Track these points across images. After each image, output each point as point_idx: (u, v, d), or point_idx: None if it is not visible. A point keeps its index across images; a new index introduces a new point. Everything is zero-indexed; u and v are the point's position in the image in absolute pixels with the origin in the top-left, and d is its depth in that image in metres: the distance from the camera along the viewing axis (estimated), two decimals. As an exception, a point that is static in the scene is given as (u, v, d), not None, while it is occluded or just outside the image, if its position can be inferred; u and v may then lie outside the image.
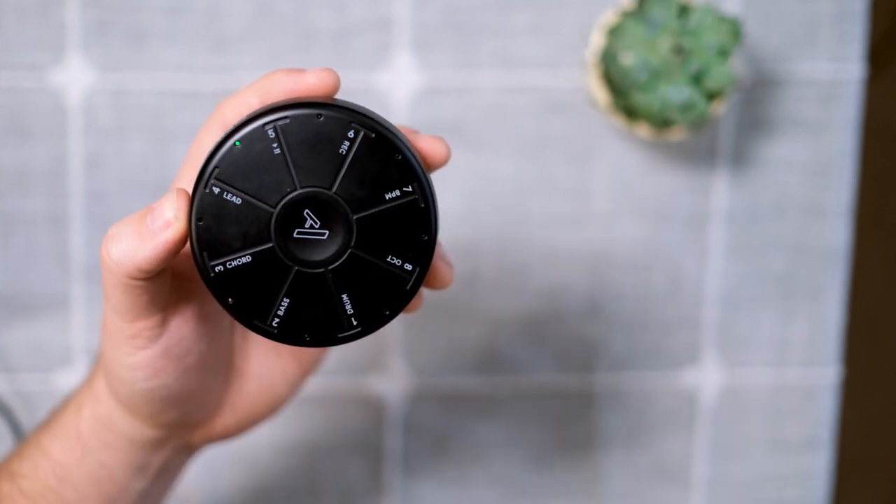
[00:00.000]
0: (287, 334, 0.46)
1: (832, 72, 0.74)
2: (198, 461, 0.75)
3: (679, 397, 0.77)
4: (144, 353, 0.48)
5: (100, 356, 0.52)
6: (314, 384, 0.75)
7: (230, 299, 0.45)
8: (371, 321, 0.46)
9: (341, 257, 0.45)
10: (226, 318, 0.52)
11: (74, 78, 0.71)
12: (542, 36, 0.73)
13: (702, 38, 0.68)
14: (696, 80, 0.68)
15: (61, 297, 0.73)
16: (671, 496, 0.78)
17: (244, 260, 0.45)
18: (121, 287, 0.46)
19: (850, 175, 0.75)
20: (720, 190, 0.75)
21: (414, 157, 0.45)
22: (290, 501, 0.76)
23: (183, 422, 0.52)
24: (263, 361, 0.54)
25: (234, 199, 0.45)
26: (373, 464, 0.76)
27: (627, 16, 0.69)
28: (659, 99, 0.68)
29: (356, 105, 0.46)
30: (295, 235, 0.45)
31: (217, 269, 0.45)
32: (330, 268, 0.45)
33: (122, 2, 0.71)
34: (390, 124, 0.46)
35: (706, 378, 0.77)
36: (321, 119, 0.44)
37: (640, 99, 0.69)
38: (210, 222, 0.45)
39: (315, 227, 0.45)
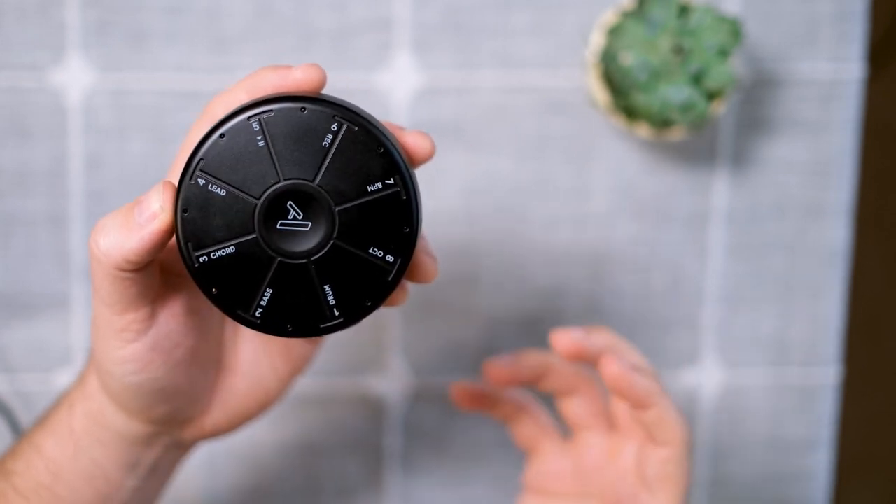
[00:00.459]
0: (270, 324, 0.46)
1: (832, 72, 0.74)
2: (198, 461, 0.75)
3: (679, 397, 0.77)
4: (133, 347, 0.49)
5: (91, 352, 0.52)
6: (314, 384, 0.75)
7: (214, 289, 0.46)
8: (353, 312, 0.47)
9: (324, 248, 0.46)
10: (215, 314, 0.53)
11: (74, 78, 0.71)
12: (542, 36, 0.73)
13: (702, 38, 0.68)
14: (696, 80, 0.68)
15: (61, 297, 0.73)
16: (671, 496, 0.78)
17: (228, 250, 0.46)
18: (109, 279, 0.47)
19: (850, 175, 0.75)
20: (720, 190, 0.75)
21: (396, 149, 0.46)
22: (290, 501, 0.76)
23: (173, 417, 0.53)
24: (253, 358, 0.54)
25: (218, 190, 0.45)
26: (372, 464, 0.76)
27: (627, 16, 0.69)
28: (659, 99, 0.68)
29: (340, 99, 0.46)
30: (278, 226, 0.46)
31: (201, 259, 0.46)
32: (312, 259, 0.46)
33: (122, 2, 0.71)
34: (374, 118, 0.46)
35: (706, 378, 0.77)
36: (305, 112, 0.45)
37: (640, 99, 0.69)
38: (195, 213, 0.45)
39: (298, 218, 0.46)
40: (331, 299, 0.46)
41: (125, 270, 0.46)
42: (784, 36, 0.74)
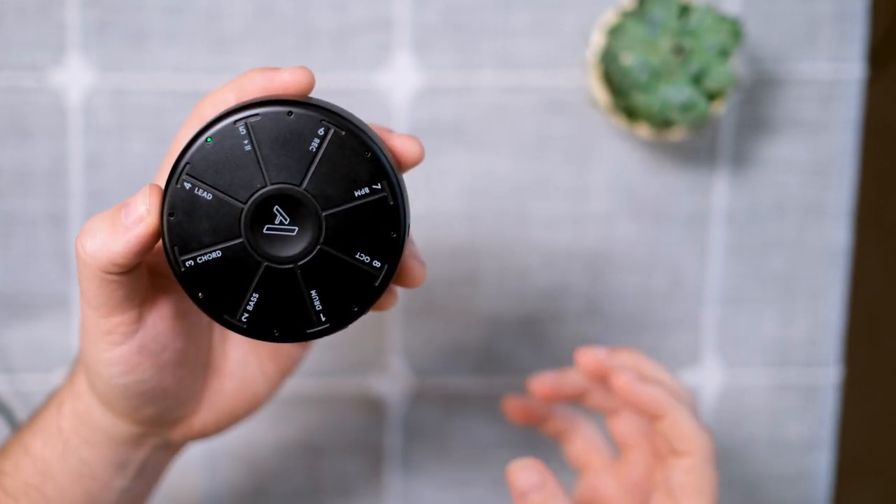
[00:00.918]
0: (256, 329, 0.46)
1: (832, 72, 0.74)
2: (198, 461, 0.75)
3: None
4: (120, 349, 0.49)
5: (79, 352, 0.52)
6: (314, 384, 0.75)
7: (200, 294, 0.46)
8: (340, 317, 0.46)
9: (310, 253, 0.46)
10: (203, 316, 0.53)
11: (74, 78, 0.71)
12: (542, 36, 0.73)
13: (702, 39, 0.68)
14: (697, 80, 0.68)
15: (61, 297, 0.73)
16: (671, 496, 0.78)
17: (214, 255, 0.46)
18: (95, 281, 0.47)
19: (850, 175, 0.75)
20: (720, 190, 0.75)
21: (384, 154, 0.46)
22: (290, 501, 0.76)
23: (161, 418, 0.53)
24: (241, 360, 0.54)
25: (205, 194, 0.45)
26: (373, 464, 0.76)
27: (627, 16, 0.69)
28: (659, 99, 0.68)
29: (328, 103, 0.46)
30: (265, 231, 0.46)
31: (187, 263, 0.46)
32: (299, 264, 0.46)
33: (122, 2, 0.71)
34: (362, 122, 0.46)
35: (706, 378, 0.77)
36: (292, 116, 0.45)
37: (640, 99, 0.69)
38: (181, 217, 0.45)
39: (285, 223, 0.46)
40: (317, 304, 0.46)
41: (111, 273, 0.46)
42: (784, 36, 0.74)
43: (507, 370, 0.76)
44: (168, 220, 0.45)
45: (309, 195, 0.45)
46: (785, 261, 0.76)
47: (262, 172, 0.45)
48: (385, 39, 0.72)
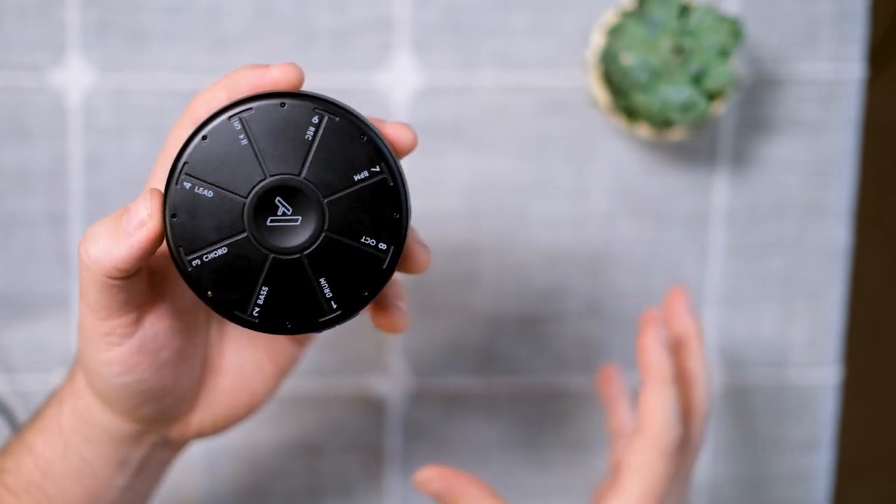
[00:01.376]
0: (268, 323, 0.46)
1: (832, 72, 0.74)
2: (198, 461, 0.75)
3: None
4: (119, 350, 0.49)
5: (77, 351, 0.52)
6: (314, 384, 0.75)
7: (209, 292, 0.46)
8: (350, 303, 0.46)
9: (316, 241, 0.46)
10: (201, 314, 0.53)
11: (74, 78, 0.71)
12: (542, 36, 0.73)
13: (702, 39, 0.68)
14: (697, 80, 0.68)
15: (61, 297, 0.73)
16: (671, 496, 0.78)
17: (220, 252, 0.45)
18: (97, 286, 0.47)
19: (850, 175, 0.75)
20: (720, 190, 0.75)
21: (379, 137, 0.46)
22: (290, 501, 0.76)
23: (160, 417, 0.53)
24: (239, 358, 0.54)
25: (205, 192, 0.45)
26: (372, 464, 0.76)
27: (627, 16, 0.69)
28: (659, 99, 0.68)
29: (319, 94, 0.46)
30: (269, 223, 0.45)
31: (194, 262, 0.46)
32: (305, 253, 0.46)
33: (122, 2, 0.71)
34: (354, 109, 0.46)
35: (706, 378, 0.77)
36: (285, 107, 0.45)
37: (640, 99, 0.69)
38: (184, 217, 0.45)
39: (288, 213, 0.46)
40: (327, 292, 0.46)
41: (114, 278, 0.47)
42: (784, 36, 0.73)
43: (507, 370, 0.76)
44: (171, 221, 0.45)
45: (309, 183, 0.45)
46: (785, 261, 0.76)
47: (261, 165, 0.45)
48: (385, 39, 0.72)
